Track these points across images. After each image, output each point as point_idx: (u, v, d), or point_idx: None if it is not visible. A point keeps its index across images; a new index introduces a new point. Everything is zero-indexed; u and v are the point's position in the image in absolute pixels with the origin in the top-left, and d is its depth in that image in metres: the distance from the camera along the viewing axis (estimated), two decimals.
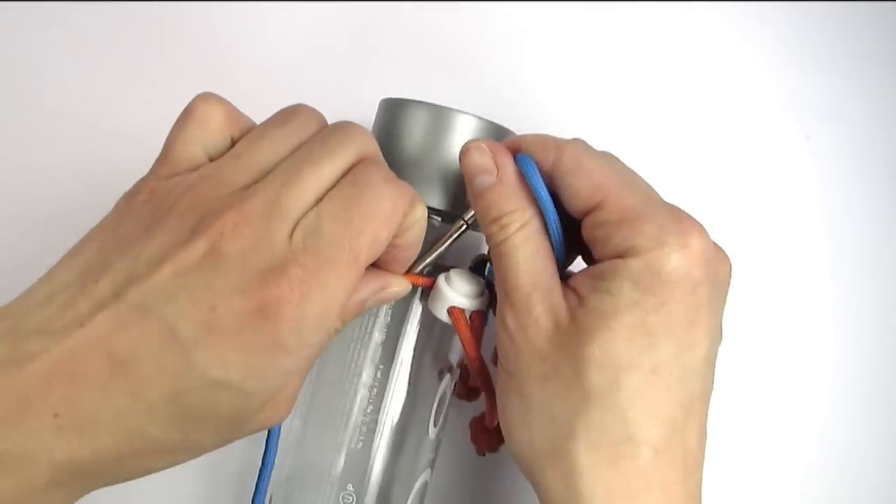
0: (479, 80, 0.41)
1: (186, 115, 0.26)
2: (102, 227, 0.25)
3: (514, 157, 0.28)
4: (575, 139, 0.28)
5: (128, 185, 0.26)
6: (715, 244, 0.26)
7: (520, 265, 0.26)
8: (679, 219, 0.25)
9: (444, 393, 0.32)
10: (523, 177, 0.27)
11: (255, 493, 0.29)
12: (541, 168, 0.27)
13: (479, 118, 0.30)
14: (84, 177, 0.40)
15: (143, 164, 0.27)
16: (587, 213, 0.26)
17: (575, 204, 0.27)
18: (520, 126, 0.35)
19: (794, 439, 0.39)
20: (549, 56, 0.41)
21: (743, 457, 0.39)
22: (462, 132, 0.30)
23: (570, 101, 0.41)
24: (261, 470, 0.29)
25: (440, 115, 0.30)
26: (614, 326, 0.24)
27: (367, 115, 0.33)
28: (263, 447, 0.29)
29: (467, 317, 0.29)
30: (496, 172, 0.27)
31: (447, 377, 0.32)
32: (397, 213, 0.25)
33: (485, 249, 0.31)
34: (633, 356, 0.24)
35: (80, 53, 0.41)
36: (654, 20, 0.42)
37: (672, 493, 0.25)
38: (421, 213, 0.27)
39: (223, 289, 0.23)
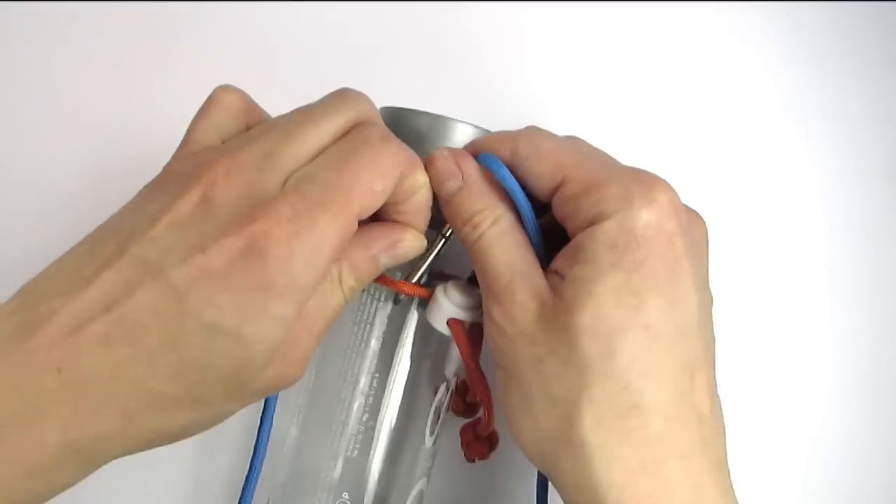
0: (480, 87, 0.41)
1: (207, 102, 0.28)
2: (122, 208, 0.26)
3: (477, 158, 0.28)
4: (529, 126, 0.28)
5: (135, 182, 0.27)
6: (687, 206, 0.26)
7: (497, 257, 0.27)
8: (643, 177, 0.25)
9: (441, 402, 0.32)
10: (490, 176, 0.28)
11: (241, 497, 0.30)
12: (503, 162, 0.27)
13: (478, 127, 0.31)
14: (98, 172, 0.40)
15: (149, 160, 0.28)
16: (553, 192, 0.27)
17: (540, 186, 0.27)
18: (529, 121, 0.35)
19: (794, 439, 0.39)
20: (550, 57, 0.41)
21: (743, 457, 0.39)
22: (461, 141, 0.30)
23: (569, 102, 0.41)
24: (248, 473, 0.30)
25: (439, 124, 0.30)
26: (599, 291, 0.24)
27: None
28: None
29: (466, 328, 0.29)
30: (461, 176, 0.28)
31: (443, 387, 0.32)
32: (394, 168, 0.26)
33: None
34: (624, 318, 0.24)
35: (84, 51, 0.41)
36: (654, 20, 0.42)
37: (693, 464, 0.24)
38: (423, 179, 0.28)
39: (214, 232, 0.23)
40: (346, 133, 0.26)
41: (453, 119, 0.30)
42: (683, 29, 0.42)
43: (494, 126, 0.31)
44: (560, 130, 0.39)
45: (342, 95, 0.27)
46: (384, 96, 0.33)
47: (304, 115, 0.26)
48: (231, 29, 0.41)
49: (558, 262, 0.26)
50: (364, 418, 0.31)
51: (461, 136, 0.30)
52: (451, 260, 0.32)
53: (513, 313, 0.26)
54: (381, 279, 0.29)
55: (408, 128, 0.31)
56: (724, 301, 0.40)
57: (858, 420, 0.39)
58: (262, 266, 0.23)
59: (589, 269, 0.24)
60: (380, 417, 0.30)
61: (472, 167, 0.28)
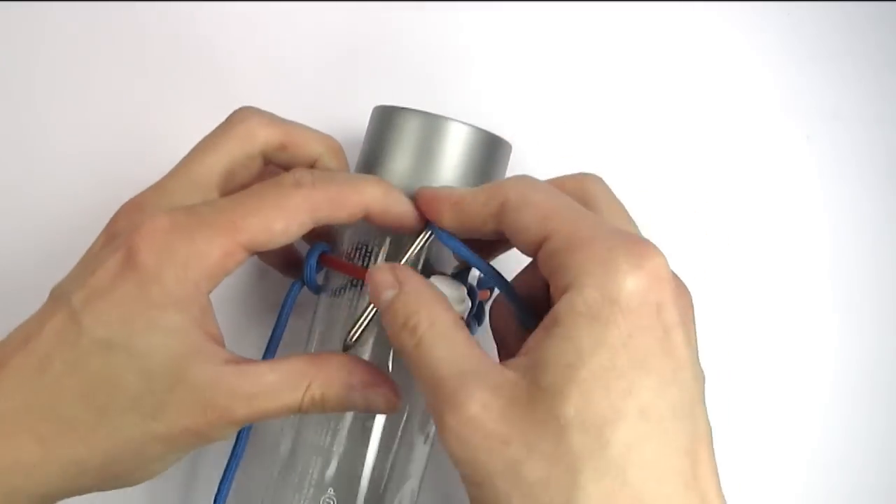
0: (474, 88, 0.41)
1: (225, 127, 0.29)
2: None
3: (437, 234, 0.28)
4: (518, 176, 0.27)
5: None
6: (674, 273, 0.24)
7: (440, 360, 0.23)
8: (632, 240, 0.23)
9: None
10: (427, 283, 0.27)
11: (218, 490, 0.31)
12: (487, 216, 0.26)
13: (472, 126, 0.31)
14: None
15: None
16: (539, 246, 0.24)
17: (525, 239, 0.25)
18: (518, 132, 0.35)
19: (795, 440, 0.39)
20: (548, 57, 0.41)
21: (744, 457, 0.39)
22: (455, 141, 0.30)
23: (569, 103, 0.41)
24: (228, 463, 0.31)
25: (434, 124, 0.30)
26: (583, 377, 0.21)
27: (359, 122, 0.34)
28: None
29: None
30: (398, 286, 0.26)
31: None
32: (302, 211, 0.26)
33: None
34: (616, 404, 0.21)
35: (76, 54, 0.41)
36: (654, 20, 0.42)
37: None
38: (363, 207, 0.27)
39: (105, 255, 0.25)
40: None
41: (447, 118, 0.30)
42: (683, 29, 0.42)
43: (491, 126, 0.32)
44: (560, 130, 0.39)
45: (238, 120, 0.29)
46: (377, 104, 0.33)
47: (199, 145, 0.29)
48: (226, 34, 0.41)
49: (532, 342, 0.23)
50: (357, 414, 0.30)
51: (455, 134, 0.30)
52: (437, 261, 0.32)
53: (472, 417, 0.22)
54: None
55: (401, 127, 0.31)
56: (724, 301, 0.40)
57: (859, 420, 0.39)
58: (136, 275, 0.24)
59: (569, 351, 0.22)
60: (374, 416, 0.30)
61: (410, 276, 0.26)
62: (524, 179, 0.27)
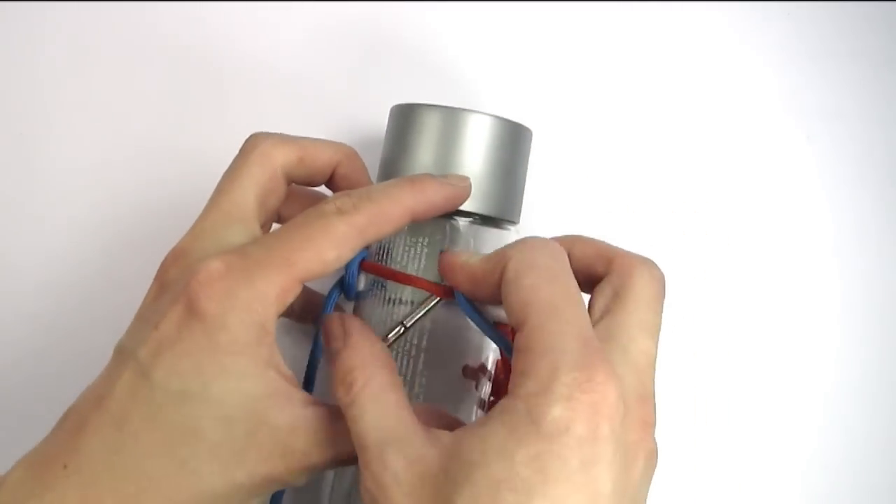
0: (489, 81, 0.41)
1: (242, 157, 0.29)
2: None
3: (457, 298, 0.28)
4: (524, 242, 0.26)
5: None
6: (647, 411, 0.23)
7: (367, 422, 0.24)
8: (586, 362, 0.21)
9: (485, 394, 0.32)
10: (373, 339, 0.27)
11: None
12: (494, 286, 0.25)
13: (493, 116, 0.31)
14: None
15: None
16: (517, 332, 0.24)
17: (510, 319, 0.24)
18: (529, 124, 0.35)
19: (794, 440, 0.39)
20: (550, 57, 0.41)
21: (747, 457, 0.39)
22: (476, 131, 0.30)
23: (569, 103, 0.41)
24: None
25: (454, 117, 0.30)
26: (478, 479, 0.21)
27: (378, 123, 0.34)
28: None
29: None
30: (343, 339, 0.26)
31: (484, 378, 0.32)
32: (351, 238, 0.26)
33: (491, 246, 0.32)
34: None
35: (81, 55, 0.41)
36: (655, 20, 0.42)
37: None
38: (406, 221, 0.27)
39: (164, 306, 0.25)
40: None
41: (467, 109, 0.30)
42: (683, 29, 0.42)
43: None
44: (560, 130, 0.39)
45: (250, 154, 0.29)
46: (394, 103, 0.33)
47: (222, 182, 0.29)
48: (242, 35, 0.41)
49: (470, 425, 0.23)
50: None
51: (476, 125, 0.30)
52: None
53: (385, 485, 0.22)
54: (416, 281, 0.29)
55: (422, 123, 0.30)
56: (724, 301, 0.40)
57: (859, 420, 0.39)
58: (202, 324, 0.24)
59: (477, 451, 0.21)
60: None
61: (356, 330, 0.27)
62: (527, 249, 0.25)
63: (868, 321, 0.40)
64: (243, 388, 0.24)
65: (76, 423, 0.24)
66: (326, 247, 0.25)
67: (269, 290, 0.25)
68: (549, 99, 0.41)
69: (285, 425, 0.24)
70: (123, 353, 0.25)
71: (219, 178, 0.29)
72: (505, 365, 0.31)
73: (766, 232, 0.41)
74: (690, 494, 0.38)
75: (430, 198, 0.28)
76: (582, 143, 0.41)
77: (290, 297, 0.25)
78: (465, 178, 0.29)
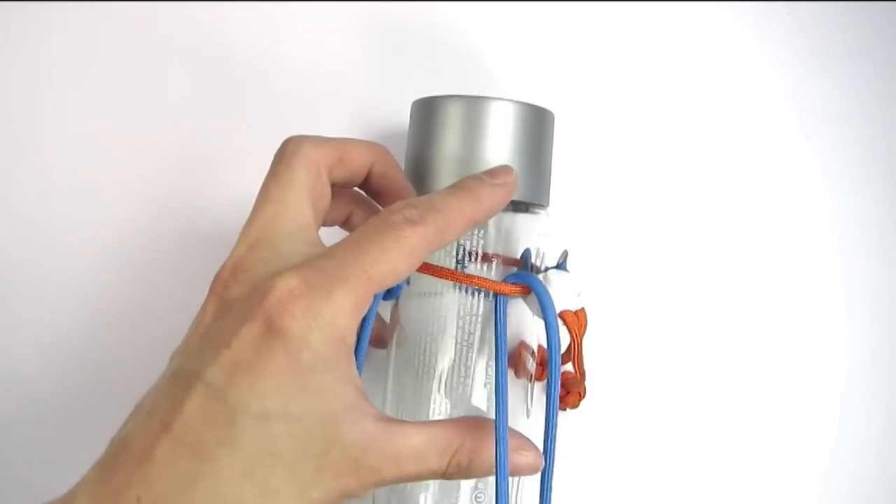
0: (508, 71, 0.41)
1: (278, 161, 0.28)
2: None
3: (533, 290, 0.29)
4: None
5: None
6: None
7: None
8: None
9: (532, 379, 0.33)
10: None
11: None
12: None
13: (516, 102, 0.31)
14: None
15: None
16: None
17: None
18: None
19: (795, 440, 0.39)
20: (550, 57, 0.41)
21: (755, 457, 0.39)
22: (500, 118, 0.30)
23: (569, 103, 0.41)
24: None
25: (477, 106, 0.30)
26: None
27: (401, 119, 0.33)
28: None
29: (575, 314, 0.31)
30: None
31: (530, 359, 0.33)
32: (420, 248, 0.26)
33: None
34: None
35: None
36: (656, 20, 0.42)
37: None
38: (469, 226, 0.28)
39: (233, 325, 0.24)
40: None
41: (488, 97, 0.30)
42: (684, 28, 0.42)
43: None
44: (561, 131, 0.39)
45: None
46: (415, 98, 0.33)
47: (267, 190, 0.28)
48: (257, 33, 0.41)
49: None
50: (486, 408, 0.31)
51: (498, 112, 0.30)
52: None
53: None
54: (477, 280, 0.30)
55: (445, 114, 0.31)
56: (724, 301, 0.40)
57: (860, 420, 0.39)
58: (283, 343, 0.23)
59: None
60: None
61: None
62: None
63: (871, 321, 0.40)
64: (322, 404, 0.24)
65: (141, 449, 0.23)
66: (400, 259, 0.25)
67: (349, 305, 0.24)
68: (550, 98, 0.41)
69: (359, 441, 0.24)
70: (187, 374, 0.24)
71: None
72: (541, 353, 0.32)
73: (767, 232, 0.41)
74: (690, 494, 0.38)
75: (487, 206, 0.28)
76: (580, 143, 0.41)
77: (366, 309, 0.25)
78: (511, 172, 0.29)
